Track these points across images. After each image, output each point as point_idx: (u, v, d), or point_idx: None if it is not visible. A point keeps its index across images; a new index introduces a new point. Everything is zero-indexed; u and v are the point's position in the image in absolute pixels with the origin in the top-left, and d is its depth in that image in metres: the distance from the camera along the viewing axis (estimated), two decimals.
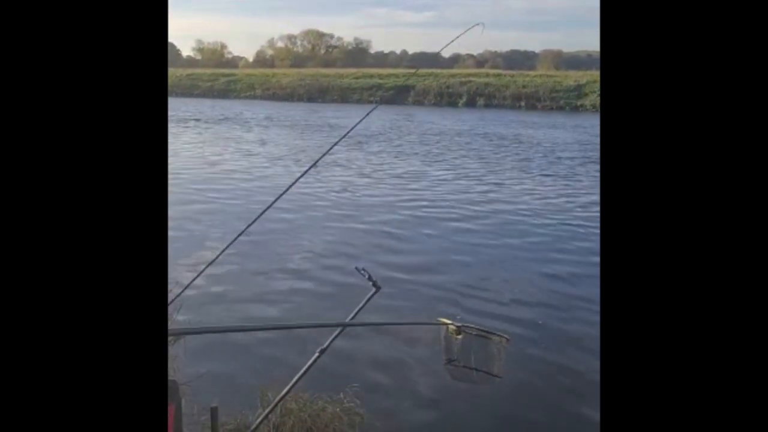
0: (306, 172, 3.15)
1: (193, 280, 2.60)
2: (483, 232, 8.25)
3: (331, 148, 3.32)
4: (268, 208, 2.83)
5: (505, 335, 2.24)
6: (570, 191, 11.45)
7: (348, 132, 3.46)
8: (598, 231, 1.21)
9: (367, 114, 3.36)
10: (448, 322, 2.26)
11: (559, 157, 16.02)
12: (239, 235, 2.75)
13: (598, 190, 10.52)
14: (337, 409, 3.10)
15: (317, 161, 3.21)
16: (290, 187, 2.99)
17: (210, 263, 2.67)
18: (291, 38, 67.45)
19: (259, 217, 2.80)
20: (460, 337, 2.22)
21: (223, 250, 2.71)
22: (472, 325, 2.26)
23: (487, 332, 2.25)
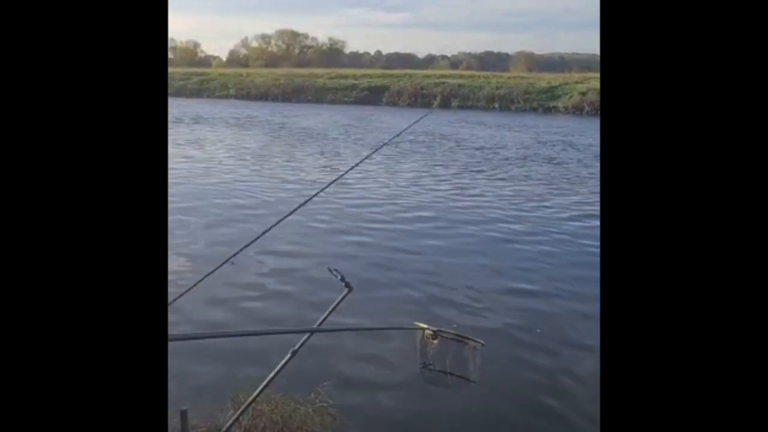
0: (332, 183, 3.38)
1: (192, 287, 2.62)
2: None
3: (366, 158, 3.47)
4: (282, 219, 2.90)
5: (480, 340, 2.24)
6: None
7: (392, 138, 3.56)
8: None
9: (417, 120, 3.56)
10: (424, 326, 2.25)
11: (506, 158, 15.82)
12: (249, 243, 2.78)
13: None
14: (309, 410, 3.10)
15: (343, 174, 3.61)
16: (313, 197, 3.24)
17: (208, 274, 2.68)
18: (265, 38, 66.90)
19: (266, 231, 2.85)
20: (435, 341, 2.21)
21: (228, 259, 2.72)
22: (448, 330, 2.26)
23: (463, 337, 2.24)
